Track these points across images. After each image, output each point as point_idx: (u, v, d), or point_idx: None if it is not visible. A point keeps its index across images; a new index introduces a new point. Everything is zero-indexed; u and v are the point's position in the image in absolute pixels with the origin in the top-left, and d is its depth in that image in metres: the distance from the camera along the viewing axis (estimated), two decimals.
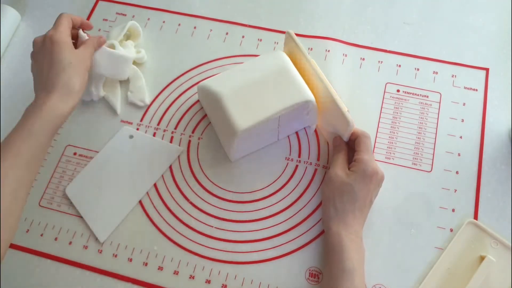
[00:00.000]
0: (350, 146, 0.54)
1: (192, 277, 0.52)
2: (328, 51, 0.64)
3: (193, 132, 0.60)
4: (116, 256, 0.53)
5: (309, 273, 0.51)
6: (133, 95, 0.62)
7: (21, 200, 0.45)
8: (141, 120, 0.61)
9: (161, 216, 0.55)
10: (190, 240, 0.54)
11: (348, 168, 0.51)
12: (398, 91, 0.61)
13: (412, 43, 0.64)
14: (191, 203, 0.56)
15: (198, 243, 0.54)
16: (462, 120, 0.58)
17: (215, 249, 0.53)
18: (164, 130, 0.60)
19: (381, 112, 0.60)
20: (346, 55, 0.64)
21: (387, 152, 0.57)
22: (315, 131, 0.59)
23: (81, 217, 0.56)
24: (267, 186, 0.56)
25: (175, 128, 0.60)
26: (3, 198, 0.43)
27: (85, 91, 0.61)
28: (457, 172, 0.55)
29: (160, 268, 0.52)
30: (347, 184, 0.49)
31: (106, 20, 0.69)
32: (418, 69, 0.62)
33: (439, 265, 0.50)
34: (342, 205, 0.49)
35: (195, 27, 0.67)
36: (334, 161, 0.53)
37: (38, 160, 0.47)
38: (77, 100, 0.51)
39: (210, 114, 0.59)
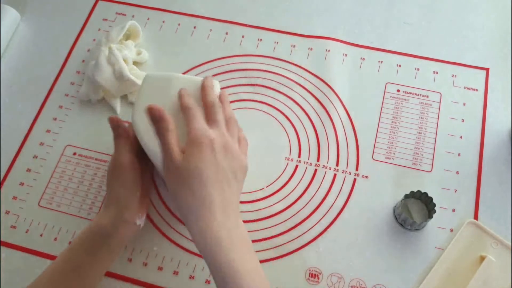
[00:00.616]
0: None
1: (192, 277, 0.52)
2: (328, 51, 0.64)
3: None
4: None
5: (309, 273, 0.51)
6: (133, 95, 0.62)
7: None
8: None
9: (161, 216, 0.55)
10: (190, 240, 0.54)
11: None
12: (398, 91, 0.61)
13: (412, 43, 0.64)
14: None
15: None
16: (462, 120, 0.58)
17: None
18: None
19: (381, 112, 0.60)
20: (346, 55, 0.64)
21: (387, 152, 0.57)
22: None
23: (81, 217, 0.56)
24: (267, 186, 0.56)
25: None
26: None
27: (84, 93, 0.61)
28: (457, 172, 0.55)
29: (160, 268, 0.52)
30: (180, 167, 0.41)
31: (105, 20, 0.69)
32: (418, 69, 0.62)
33: (439, 265, 0.50)
34: (189, 193, 0.40)
35: (195, 27, 0.67)
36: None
37: (77, 281, 0.45)
38: (120, 212, 0.46)
39: None
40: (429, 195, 0.51)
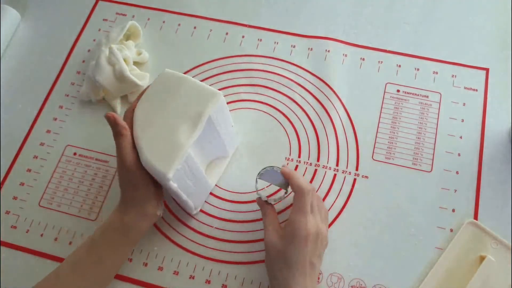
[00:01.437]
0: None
1: (192, 277, 0.52)
2: (328, 51, 0.64)
3: None
4: None
5: None
6: (133, 95, 0.62)
7: None
8: None
9: (161, 216, 0.55)
10: (190, 240, 0.54)
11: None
12: (398, 91, 0.61)
13: (412, 43, 0.64)
14: None
15: (198, 243, 0.54)
16: (462, 120, 0.58)
17: (215, 249, 0.53)
18: None
19: (381, 112, 0.60)
20: (346, 55, 0.64)
21: (387, 152, 0.57)
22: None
23: (81, 217, 0.56)
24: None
25: None
26: None
27: (84, 93, 0.61)
28: (457, 172, 0.55)
29: (160, 268, 0.52)
30: (279, 251, 0.45)
31: (106, 20, 0.69)
32: (418, 69, 0.62)
33: (439, 265, 0.50)
34: (280, 273, 0.45)
35: (195, 27, 0.67)
36: (264, 227, 0.48)
37: (98, 272, 0.47)
38: (142, 207, 0.47)
39: None
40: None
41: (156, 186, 0.48)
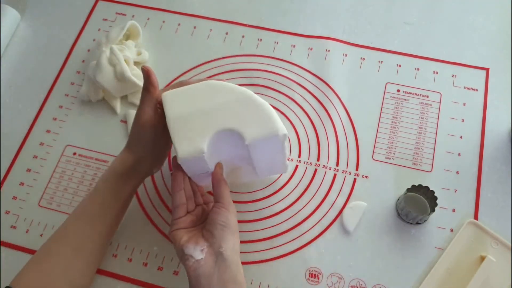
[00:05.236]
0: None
1: None
2: (328, 51, 0.64)
3: None
4: (116, 256, 0.53)
5: (309, 273, 0.51)
6: (133, 95, 0.62)
7: (83, 254, 0.48)
8: None
9: (161, 216, 0.55)
10: None
11: None
12: (398, 91, 0.61)
13: (412, 43, 0.64)
14: None
15: None
16: (462, 120, 0.58)
17: None
18: None
19: (381, 112, 0.60)
20: (346, 55, 0.64)
21: (387, 152, 0.57)
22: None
23: None
24: (267, 186, 0.56)
25: None
26: (64, 252, 0.46)
27: (84, 93, 0.61)
28: (457, 172, 0.55)
29: (160, 268, 0.52)
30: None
31: (106, 20, 0.69)
32: (418, 69, 0.62)
33: (439, 265, 0.50)
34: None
35: (195, 27, 0.67)
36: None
37: (102, 217, 0.49)
38: (138, 160, 0.49)
39: None
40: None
41: (161, 148, 0.51)
